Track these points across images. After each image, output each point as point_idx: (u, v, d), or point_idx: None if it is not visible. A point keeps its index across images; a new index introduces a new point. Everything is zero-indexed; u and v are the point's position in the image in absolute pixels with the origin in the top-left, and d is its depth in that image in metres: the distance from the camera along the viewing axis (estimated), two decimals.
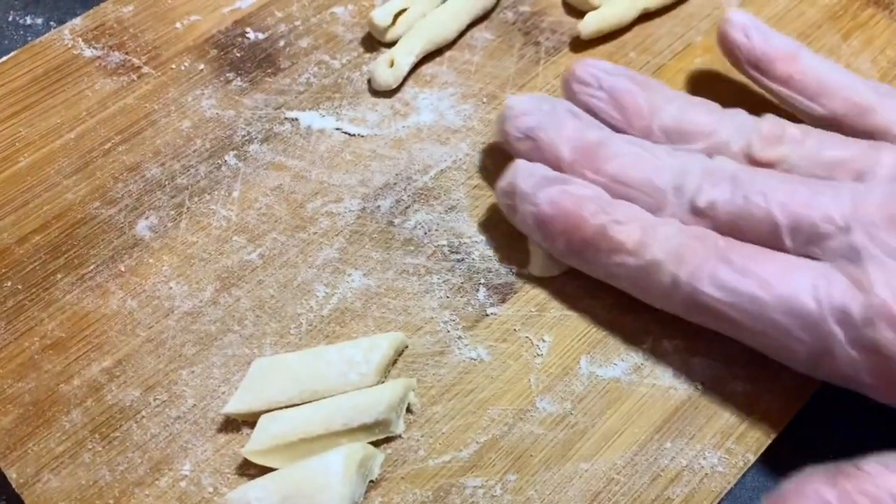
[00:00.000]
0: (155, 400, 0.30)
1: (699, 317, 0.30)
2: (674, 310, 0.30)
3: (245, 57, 0.39)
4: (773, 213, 0.29)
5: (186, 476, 0.29)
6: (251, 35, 0.39)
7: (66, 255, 0.33)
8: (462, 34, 0.39)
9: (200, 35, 0.39)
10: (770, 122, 0.32)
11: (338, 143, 0.36)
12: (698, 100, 0.33)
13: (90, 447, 0.30)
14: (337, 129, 0.37)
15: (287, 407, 0.29)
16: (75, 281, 0.33)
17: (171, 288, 0.33)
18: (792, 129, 0.32)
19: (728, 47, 0.35)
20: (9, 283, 0.33)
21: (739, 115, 0.33)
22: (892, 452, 0.26)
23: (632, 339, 0.32)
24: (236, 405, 0.29)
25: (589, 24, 0.39)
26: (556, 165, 0.32)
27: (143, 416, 0.30)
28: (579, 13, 0.40)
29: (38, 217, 0.34)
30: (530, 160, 0.32)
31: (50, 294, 0.32)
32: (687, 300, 0.29)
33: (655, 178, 0.31)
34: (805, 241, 0.29)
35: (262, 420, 0.29)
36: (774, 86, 0.34)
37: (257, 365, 0.30)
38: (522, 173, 0.31)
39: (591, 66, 0.34)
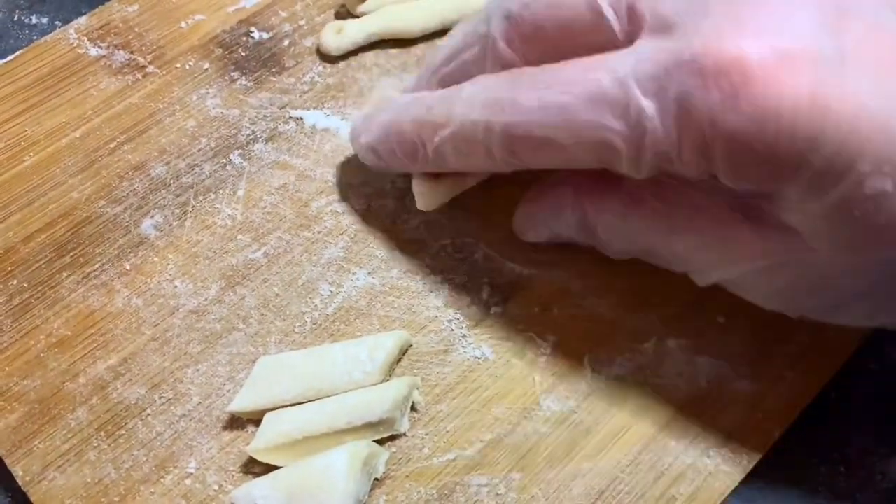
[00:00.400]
0: (160, 398, 0.31)
1: (522, 154, 0.27)
2: (502, 161, 0.28)
3: (250, 56, 0.39)
4: None
5: (191, 474, 0.29)
6: (256, 34, 0.39)
7: (71, 254, 0.33)
8: (431, 36, 0.39)
9: (205, 34, 0.39)
10: None
11: (342, 142, 0.37)
12: None
13: (96, 445, 0.30)
14: (341, 128, 0.37)
15: (292, 405, 0.29)
16: (81, 279, 0.33)
17: (176, 286, 0.33)
18: None
19: None
20: (15, 282, 0.33)
21: None
22: None
23: (636, 337, 0.32)
24: (241, 403, 0.29)
25: None
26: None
27: (149, 414, 0.30)
28: None
29: (43, 216, 0.34)
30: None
31: (56, 292, 0.33)
32: (505, 141, 0.27)
33: (459, 51, 0.29)
34: (629, 20, 0.25)
35: (266, 418, 0.29)
36: None
37: (262, 363, 0.30)
38: (354, 119, 0.33)
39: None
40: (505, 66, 0.28)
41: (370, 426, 0.29)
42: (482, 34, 0.28)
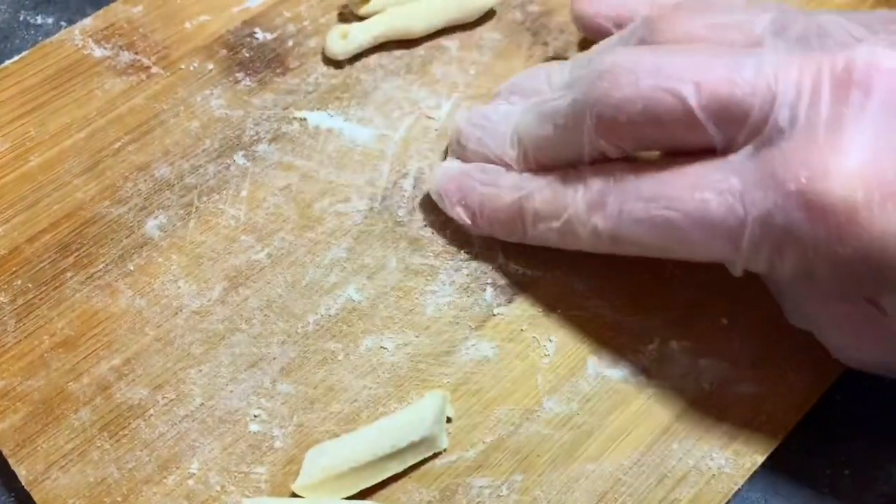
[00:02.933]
0: (163, 398, 0.31)
1: (630, 251, 0.29)
2: (605, 251, 0.30)
3: (254, 57, 0.39)
4: (687, 98, 0.25)
5: (194, 474, 0.29)
6: (260, 35, 0.40)
7: (75, 254, 0.34)
8: (434, 36, 0.39)
9: (210, 35, 0.39)
10: (660, 6, 0.31)
11: (346, 143, 0.37)
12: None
13: (99, 445, 0.30)
14: (345, 128, 0.37)
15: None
16: (85, 280, 0.33)
17: (179, 287, 0.33)
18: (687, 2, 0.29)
19: (587, 23, 0.35)
20: (19, 282, 0.33)
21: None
22: None
23: (639, 339, 0.32)
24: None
25: None
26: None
27: (152, 415, 0.30)
28: None
29: (48, 216, 0.34)
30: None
31: (59, 293, 0.33)
32: (611, 242, 0.29)
33: (549, 130, 0.30)
34: (728, 126, 0.25)
35: (309, 454, 0.29)
36: None
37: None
38: (439, 174, 0.34)
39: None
40: (602, 156, 0.29)
41: (413, 447, 0.29)
42: (572, 127, 0.29)
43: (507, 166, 0.32)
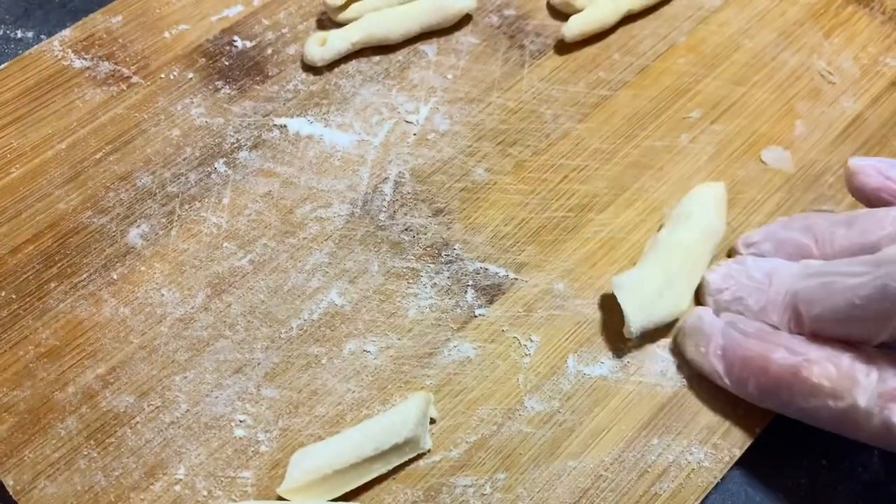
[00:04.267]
0: (149, 405, 0.31)
1: None
2: (886, 447, 0.28)
3: (233, 65, 0.39)
4: None
5: (181, 480, 0.30)
6: (239, 43, 0.40)
7: (59, 265, 0.34)
8: (412, 41, 0.40)
9: (189, 44, 0.40)
10: None
11: (326, 149, 0.37)
12: (863, 210, 0.32)
13: (85, 453, 0.30)
14: (325, 134, 0.37)
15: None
16: (68, 290, 0.33)
17: (163, 295, 0.33)
18: None
19: (868, 195, 0.32)
20: (2, 293, 0.33)
21: None
22: None
23: (618, 337, 0.32)
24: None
25: (573, 27, 0.39)
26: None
27: (138, 422, 0.31)
28: (563, 16, 0.41)
29: (30, 227, 0.35)
30: None
31: (44, 303, 0.33)
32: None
33: (858, 300, 0.28)
34: None
35: (294, 457, 0.29)
36: None
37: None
38: (706, 315, 0.31)
39: (751, 233, 0.34)
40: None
41: (396, 449, 0.29)
42: (876, 311, 0.27)
43: (772, 328, 0.30)
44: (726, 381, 0.30)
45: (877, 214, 0.30)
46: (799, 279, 0.30)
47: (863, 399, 0.27)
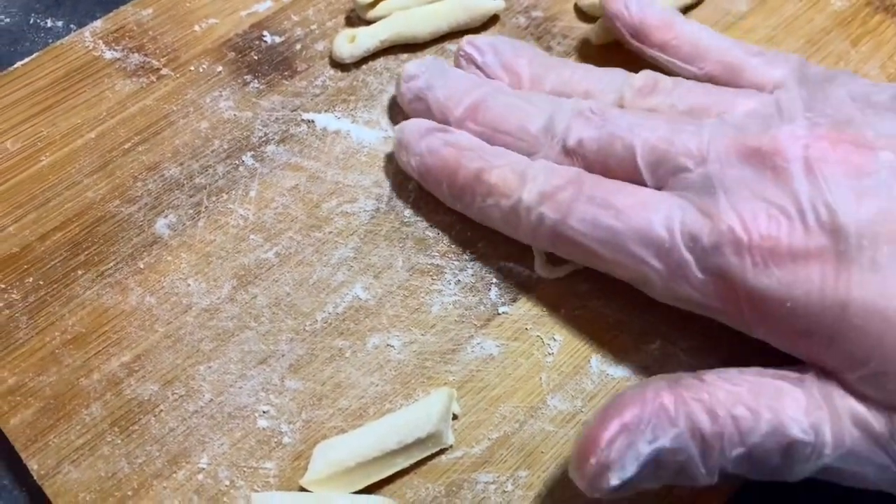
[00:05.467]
0: (173, 394, 0.31)
1: (563, 249, 0.31)
2: (542, 245, 0.32)
3: (262, 60, 0.39)
4: (635, 147, 0.30)
5: (203, 469, 0.30)
6: (268, 38, 0.40)
7: (86, 253, 0.34)
8: (440, 40, 0.40)
9: (218, 38, 0.40)
10: (643, 75, 0.34)
11: (353, 145, 0.37)
12: (579, 64, 0.37)
13: (109, 440, 0.30)
14: (352, 130, 0.37)
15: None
16: (95, 277, 0.33)
17: (189, 285, 0.33)
18: (664, 80, 0.33)
19: (610, 19, 0.37)
20: (31, 280, 0.33)
21: (615, 73, 0.35)
22: (733, 369, 0.28)
23: (642, 339, 0.32)
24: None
25: (600, 30, 0.39)
26: (446, 122, 0.34)
27: (162, 410, 0.31)
28: (591, 18, 0.41)
29: (59, 215, 0.35)
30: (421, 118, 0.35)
31: (71, 290, 0.33)
32: (551, 235, 0.31)
33: (529, 124, 0.33)
34: (665, 175, 0.30)
35: (317, 449, 0.29)
36: (653, 52, 0.36)
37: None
38: (408, 126, 0.35)
39: (478, 39, 0.37)
40: (569, 156, 0.32)
41: (419, 443, 0.29)
42: (543, 141, 0.33)
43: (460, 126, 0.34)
44: (423, 183, 0.35)
45: (579, 70, 0.35)
46: (492, 91, 0.34)
47: (526, 196, 0.31)
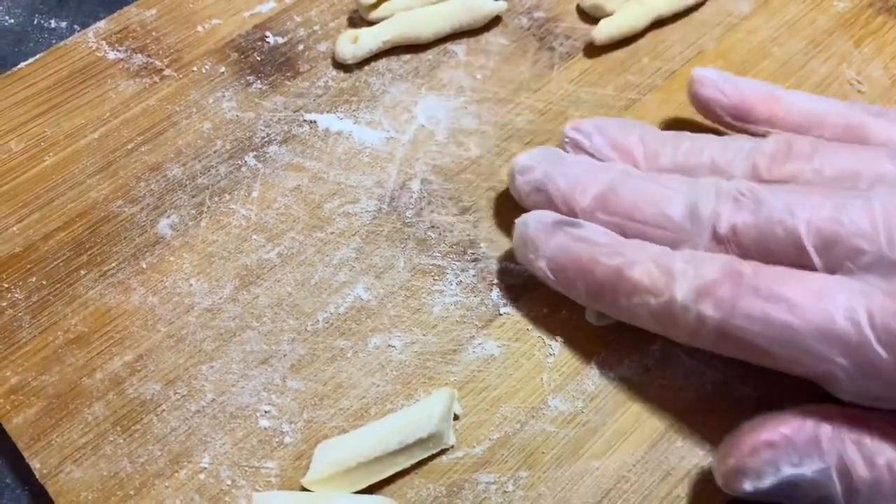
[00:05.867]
0: (175, 394, 0.31)
1: (730, 349, 0.28)
2: (703, 345, 0.29)
3: (265, 60, 0.39)
4: (800, 231, 0.27)
5: (205, 469, 0.30)
6: (271, 39, 0.40)
7: (89, 252, 0.34)
8: (442, 41, 0.40)
9: (221, 38, 0.40)
10: (774, 140, 0.31)
11: (355, 146, 0.37)
12: (695, 135, 0.33)
13: (112, 439, 0.30)
14: (354, 131, 0.38)
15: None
16: (98, 277, 0.34)
17: (191, 285, 0.33)
18: (798, 143, 0.31)
19: (703, 105, 0.35)
20: (33, 279, 0.33)
21: (739, 140, 0.32)
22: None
23: (643, 340, 0.32)
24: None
25: (602, 31, 0.39)
26: (571, 213, 0.31)
27: (164, 410, 0.31)
28: (593, 19, 0.41)
29: (62, 214, 0.35)
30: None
31: (73, 290, 0.33)
32: (715, 334, 0.28)
33: (668, 210, 0.30)
34: (837, 258, 0.27)
35: (319, 449, 0.29)
36: (762, 129, 0.33)
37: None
38: (532, 222, 0.31)
39: (581, 122, 0.34)
40: (720, 244, 0.29)
41: (421, 443, 0.29)
42: (687, 229, 0.30)
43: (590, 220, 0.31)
44: (555, 283, 0.31)
45: (699, 140, 0.32)
46: (619, 175, 0.31)
47: (680, 294, 0.28)
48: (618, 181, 0.31)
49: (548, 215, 0.31)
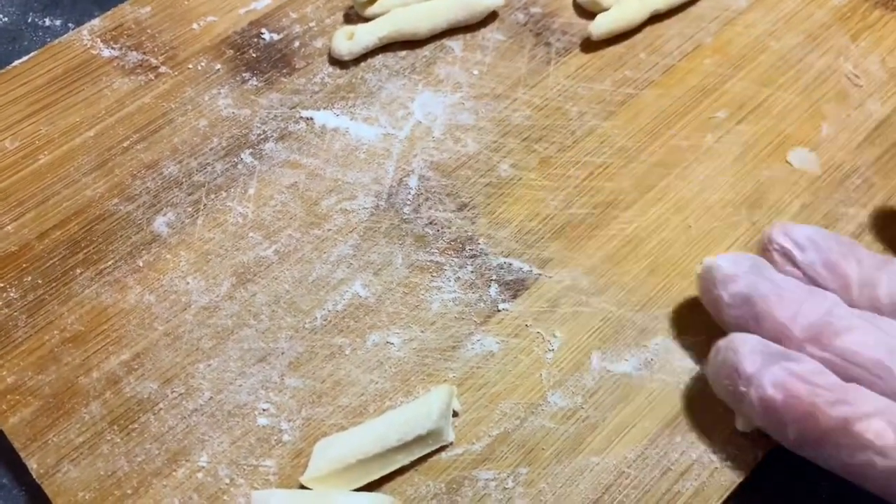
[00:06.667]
0: (172, 392, 0.31)
1: None
2: None
3: (261, 57, 0.39)
4: None
5: (203, 467, 0.30)
6: (267, 36, 0.40)
7: (85, 251, 0.34)
8: (438, 37, 0.40)
9: (217, 35, 0.40)
10: None
11: (352, 142, 0.37)
12: None
13: (109, 438, 0.30)
14: (350, 127, 0.37)
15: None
16: (94, 276, 0.33)
17: (188, 283, 0.33)
18: None
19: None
20: (29, 278, 0.33)
21: None
22: None
23: (642, 335, 0.32)
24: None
25: (599, 26, 0.39)
26: (776, 337, 0.29)
27: (161, 409, 0.31)
28: (590, 14, 0.41)
29: (58, 213, 0.35)
30: (741, 327, 0.29)
31: (69, 288, 0.33)
32: None
33: (890, 361, 0.27)
34: None
35: (317, 447, 0.29)
36: None
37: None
38: (741, 346, 0.28)
39: (795, 230, 0.31)
40: None
41: (420, 440, 0.29)
42: None
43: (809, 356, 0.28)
44: (760, 418, 0.28)
45: None
46: (835, 308, 0.28)
47: None
48: (835, 315, 0.28)
49: (756, 342, 0.28)
